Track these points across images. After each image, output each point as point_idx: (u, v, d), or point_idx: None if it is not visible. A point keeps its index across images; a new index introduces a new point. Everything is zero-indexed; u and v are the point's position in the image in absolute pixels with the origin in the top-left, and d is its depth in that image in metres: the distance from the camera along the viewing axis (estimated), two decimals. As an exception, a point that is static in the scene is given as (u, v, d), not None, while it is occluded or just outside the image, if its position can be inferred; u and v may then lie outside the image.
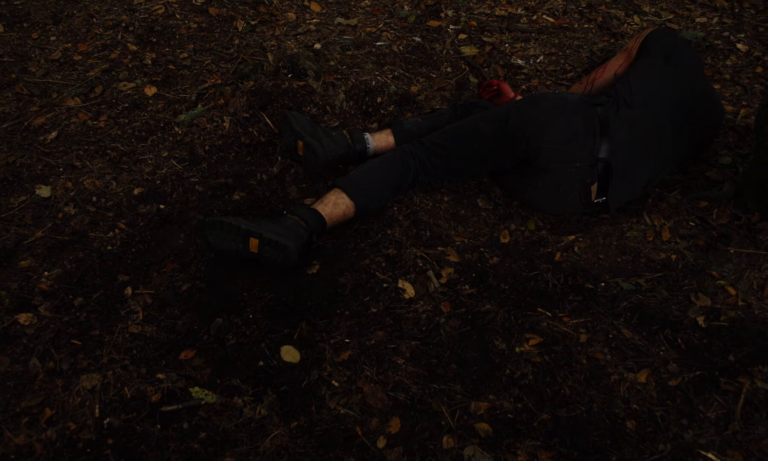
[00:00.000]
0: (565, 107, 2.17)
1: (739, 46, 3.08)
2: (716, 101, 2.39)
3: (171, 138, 2.63)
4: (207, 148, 2.58)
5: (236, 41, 3.09)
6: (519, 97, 2.66)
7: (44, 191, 2.41)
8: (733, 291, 1.99)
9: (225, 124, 2.66)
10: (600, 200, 2.22)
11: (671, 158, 2.27)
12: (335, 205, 2.19)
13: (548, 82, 2.90)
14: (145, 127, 2.68)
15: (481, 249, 2.18)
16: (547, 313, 1.97)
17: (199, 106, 2.75)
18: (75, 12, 3.31)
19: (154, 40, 3.08)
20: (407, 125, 2.51)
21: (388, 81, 2.88)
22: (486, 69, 2.96)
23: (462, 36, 3.17)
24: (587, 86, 2.52)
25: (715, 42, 3.09)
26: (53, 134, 2.66)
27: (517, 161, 2.23)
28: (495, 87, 2.61)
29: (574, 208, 2.26)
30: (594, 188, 2.19)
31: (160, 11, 3.24)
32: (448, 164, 2.32)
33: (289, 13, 3.32)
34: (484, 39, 3.15)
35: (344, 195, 2.19)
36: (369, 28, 3.22)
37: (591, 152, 2.15)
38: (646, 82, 2.27)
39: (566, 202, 2.24)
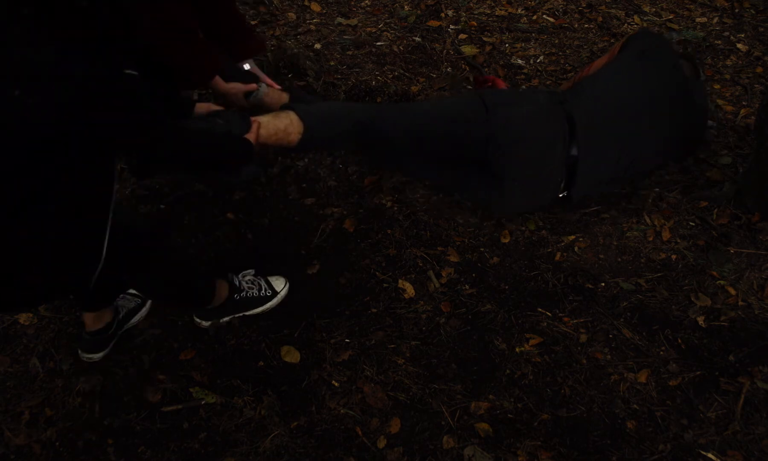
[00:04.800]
0: (539, 114, 2.10)
1: (739, 46, 3.08)
2: (697, 101, 2.33)
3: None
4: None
5: (236, 41, 3.09)
6: None
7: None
8: (733, 291, 1.99)
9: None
10: (563, 194, 2.21)
11: (649, 149, 2.22)
12: (276, 116, 2.00)
13: (548, 82, 2.90)
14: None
15: (481, 249, 2.18)
16: (547, 313, 1.97)
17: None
18: (75, 12, 3.30)
19: (154, 40, 3.08)
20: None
21: (388, 81, 2.88)
22: (486, 69, 2.96)
23: (462, 36, 3.17)
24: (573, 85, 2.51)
25: (715, 42, 3.09)
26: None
27: (481, 148, 2.12)
28: (490, 83, 2.61)
29: (538, 206, 2.25)
30: (562, 185, 2.18)
31: (160, 11, 3.23)
32: (412, 124, 2.14)
33: (289, 13, 3.32)
34: (484, 39, 3.15)
35: (292, 113, 2.02)
36: (369, 28, 3.22)
37: (562, 155, 2.10)
38: (615, 74, 2.24)
39: (534, 202, 2.22)
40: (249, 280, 2.00)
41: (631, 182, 2.33)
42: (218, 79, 2.08)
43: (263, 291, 2.00)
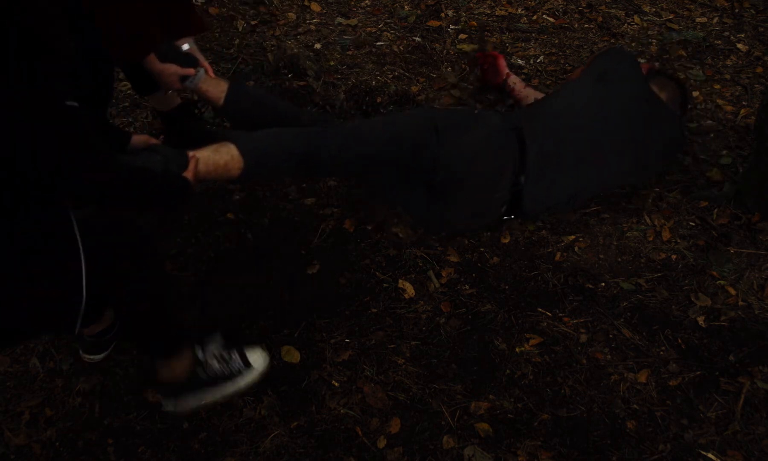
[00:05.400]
0: (490, 141, 2.05)
1: (739, 46, 3.08)
2: (668, 115, 2.26)
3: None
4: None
5: (236, 41, 3.09)
6: (511, 77, 2.66)
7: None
8: (733, 291, 1.99)
9: (227, 125, 2.66)
10: (507, 216, 2.20)
11: (606, 174, 2.20)
12: (216, 151, 1.86)
13: (548, 82, 2.90)
14: (146, 127, 2.68)
15: (481, 249, 2.18)
16: (547, 313, 1.97)
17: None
18: (75, 12, 3.31)
19: (154, 40, 3.08)
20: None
21: (388, 81, 2.88)
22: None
23: (462, 36, 3.17)
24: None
25: (715, 42, 3.09)
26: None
27: (426, 168, 2.03)
28: (491, 60, 2.60)
29: (478, 227, 2.22)
30: (504, 208, 2.16)
31: (160, 11, 3.23)
32: (358, 153, 2.01)
33: (289, 13, 3.32)
34: (485, 39, 3.15)
35: (233, 147, 1.89)
36: (369, 28, 3.22)
37: (510, 182, 2.08)
38: (572, 98, 2.19)
39: (474, 224, 2.19)
40: (217, 354, 1.72)
41: (589, 203, 2.29)
42: (153, 58, 1.93)
43: (235, 365, 1.71)
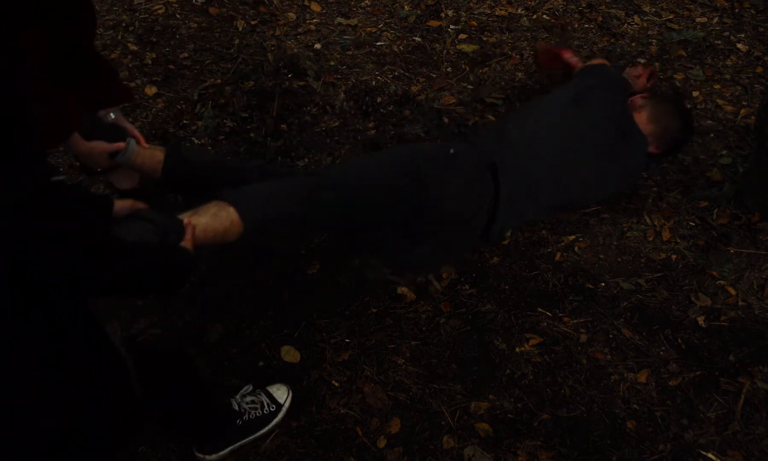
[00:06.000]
0: (468, 188, 2.01)
1: (739, 46, 3.08)
2: (636, 145, 2.26)
3: (171, 139, 2.64)
4: (209, 148, 2.58)
5: (236, 41, 3.09)
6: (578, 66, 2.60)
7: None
8: (733, 291, 1.99)
9: (228, 123, 2.66)
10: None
11: (581, 192, 2.21)
12: (215, 216, 1.71)
13: (547, 82, 2.90)
14: (146, 127, 2.68)
15: (481, 249, 2.18)
16: (547, 313, 1.97)
17: (209, 107, 2.75)
18: (75, 12, 3.30)
19: (155, 40, 3.08)
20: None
21: (388, 81, 2.88)
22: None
23: (462, 36, 3.17)
24: None
25: (715, 42, 3.09)
26: (53, 134, 2.65)
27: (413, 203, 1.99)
28: (566, 60, 2.55)
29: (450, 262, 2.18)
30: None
31: (160, 11, 3.23)
32: (345, 208, 1.94)
33: (289, 13, 3.32)
34: (484, 39, 3.15)
35: (232, 211, 1.74)
36: (369, 28, 3.22)
37: (484, 219, 2.07)
38: (546, 120, 2.18)
39: (447, 260, 2.15)
40: (249, 400, 1.76)
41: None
42: (77, 137, 1.71)
43: (266, 408, 1.75)
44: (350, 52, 3.05)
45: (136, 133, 1.87)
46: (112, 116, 1.82)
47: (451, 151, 2.04)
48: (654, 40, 3.12)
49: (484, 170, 2.04)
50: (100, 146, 1.77)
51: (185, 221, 1.60)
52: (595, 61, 2.55)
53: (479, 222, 2.07)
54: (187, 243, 1.52)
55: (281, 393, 1.78)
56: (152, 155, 1.90)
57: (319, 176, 1.98)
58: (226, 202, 1.74)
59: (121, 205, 1.54)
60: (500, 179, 2.03)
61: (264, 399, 1.76)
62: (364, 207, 1.95)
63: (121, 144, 1.81)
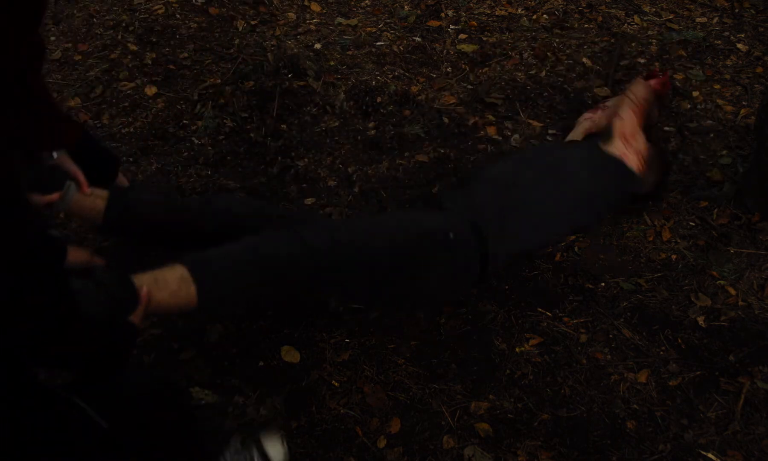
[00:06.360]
0: (465, 276, 1.95)
1: (739, 46, 3.08)
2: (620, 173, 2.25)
3: (171, 139, 2.64)
4: (209, 148, 2.58)
5: (236, 41, 3.09)
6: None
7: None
8: (733, 291, 1.99)
9: (228, 123, 2.66)
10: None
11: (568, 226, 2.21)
12: (174, 295, 1.54)
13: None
14: (146, 127, 2.68)
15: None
16: (547, 313, 1.97)
17: (209, 107, 2.75)
18: (75, 12, 3.31)
19: (155, 40, 3.08)
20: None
21: (388, 81, 2.88)
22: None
23: (462, 36, 3.17)
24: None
25: (715, 42, 3.09)
26: (53, 134, 2.65)
27: None
28: (664, 81, 2.54)
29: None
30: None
31: (160, 11, 3.24)
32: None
33: (289, 13, 3.32)
34: (484, 39, 3.15)
35: (192, 288, 1.56)
36: (369, 28, 3.23)
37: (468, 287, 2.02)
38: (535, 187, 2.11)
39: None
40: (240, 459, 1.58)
41: None
42: None
43: None
44: (350, 52, 3.05)
45: (80, 175, 1.68)
46: (54, 155, 1.64)
47: (451, 236, 1.89)
48: (654, 40, 3.13)
49: (473, 253, 1.92)
50: (34, 198, 1.59)
51: (142, 292, 1.44)
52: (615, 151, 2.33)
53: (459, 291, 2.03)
54: (136, 317, 1.37)
55: (276, 451, 1.59)
56: (93, 200, 1.74)
57: (303, 243, 1.72)
58: (189, 273, 1.56)
59: (76, 255, 1.41)
60: (489, 255, 1.95)
61: (255, 455, 1.57)
62: (346, 279, 1.80)
63: (56, 195, 1.64)
